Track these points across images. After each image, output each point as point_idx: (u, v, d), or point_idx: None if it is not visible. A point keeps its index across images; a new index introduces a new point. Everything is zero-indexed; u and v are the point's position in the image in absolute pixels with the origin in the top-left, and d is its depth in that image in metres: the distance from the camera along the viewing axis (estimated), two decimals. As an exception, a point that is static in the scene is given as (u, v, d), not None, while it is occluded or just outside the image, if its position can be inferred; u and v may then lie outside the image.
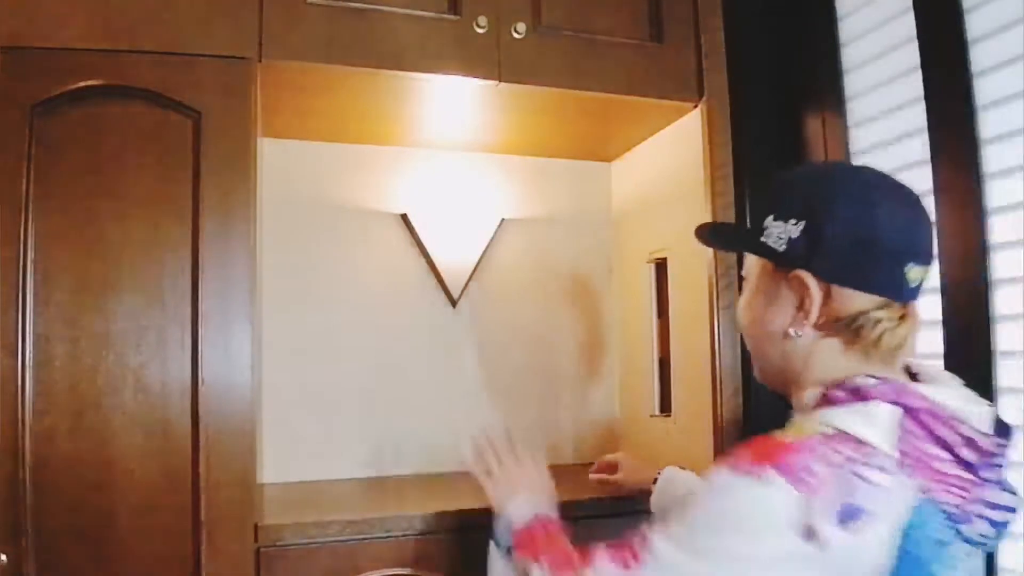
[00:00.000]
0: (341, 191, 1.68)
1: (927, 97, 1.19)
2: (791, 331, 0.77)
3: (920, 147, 1.21)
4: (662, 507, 1.18)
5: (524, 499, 1.01)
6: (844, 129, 1.37)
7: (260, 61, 1.23)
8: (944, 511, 0.65)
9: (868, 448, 0.66)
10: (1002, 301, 1.09)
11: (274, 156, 1.59)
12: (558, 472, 1.67)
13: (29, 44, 1.13)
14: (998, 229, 1.09)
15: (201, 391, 1.15)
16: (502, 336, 1.77)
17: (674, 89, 1.46)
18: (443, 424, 1.70)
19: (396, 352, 1.69)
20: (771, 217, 0.78)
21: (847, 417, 0.68)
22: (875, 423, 0.67)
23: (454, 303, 1.73)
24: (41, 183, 1.12)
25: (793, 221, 0.75)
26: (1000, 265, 1.09)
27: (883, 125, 1.30)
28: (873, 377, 0.71)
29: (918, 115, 1.21)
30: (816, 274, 0.74)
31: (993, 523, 0.68)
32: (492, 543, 1.00)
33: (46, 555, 1.09)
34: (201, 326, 1.16)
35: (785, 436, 0.69)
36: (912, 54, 1.22)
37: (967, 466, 0.67)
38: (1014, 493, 0.70)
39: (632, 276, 1.75)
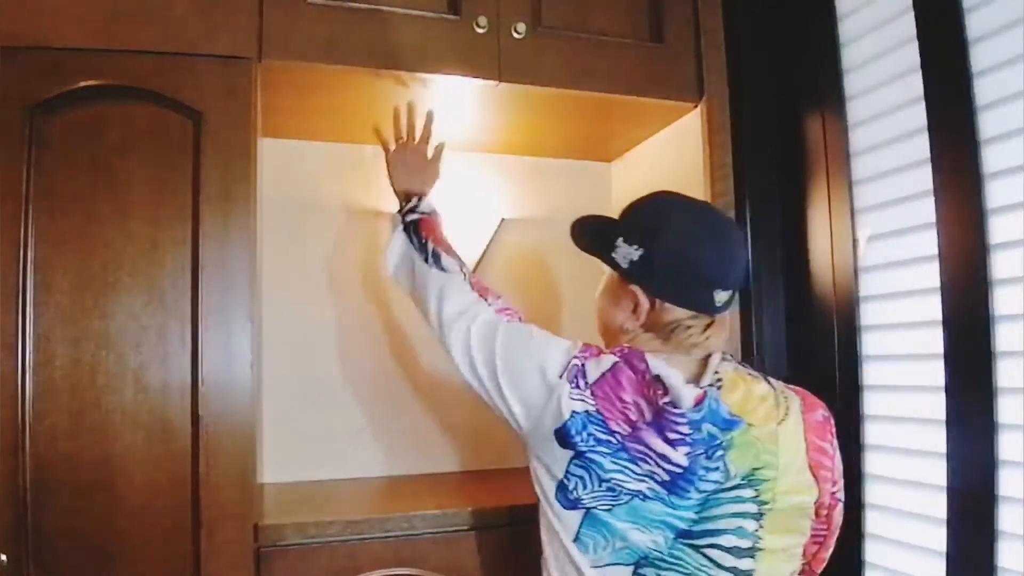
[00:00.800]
0: (341, 191, 1.68)
1: (927, 97, 1.19)
2: (625, 327, 1.03)
3: (920, 147, 1.21)
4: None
5: (430, 191, 1.32)
6: (844, 129, 1.37)
7: (260, 61, 1.23)
8: (612, 431, 0.93)
9: (583, 376, 0.97)
10: (1002, 301, 1.09)
11: (274, 156, 1.59)
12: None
13: (29, 44, 1.13)
14: (998, 229, 1.09)
15: (201, 391, 1.15)
16: (502, 336, 1.76)
17: (674, 89, 1.47)
18: (443, 424, 1.71)
19: (396, 352, 1.69)
20: (621, 239, 1.02)
21: (591, 361, 0.99)
22: (595, 365, 0.98)
23: (454, 303, 1.73)
24: (41, 183, 1.12)
25: (635, 247, 1.00)
26: (1000, 265, 1.09)
27: (883, 125, 1.30)
28: (628, 347, 0.99)
29: (918, 115, 1.21)
30: (646, 291, 1.00)
31: (666, 471, 0.92)
32: (400, 218, 1.28)
33: (46, 555, 1.09)
34: (201, 326, 1.16)
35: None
36: (912, 54, 1.22)
37: (644, 417, 0.93)
38: (686, 456, 0.91)
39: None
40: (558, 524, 0.97)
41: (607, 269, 1.07)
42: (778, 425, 0.96)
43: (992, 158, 1.10)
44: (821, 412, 1.01)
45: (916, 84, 1.21)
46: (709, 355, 1.00)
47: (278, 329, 1.59)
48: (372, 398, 1.67)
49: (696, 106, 1.49)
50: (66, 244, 1.13)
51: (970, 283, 1.12)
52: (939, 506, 1.15)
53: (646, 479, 0.92)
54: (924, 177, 1.19)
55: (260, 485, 1.31)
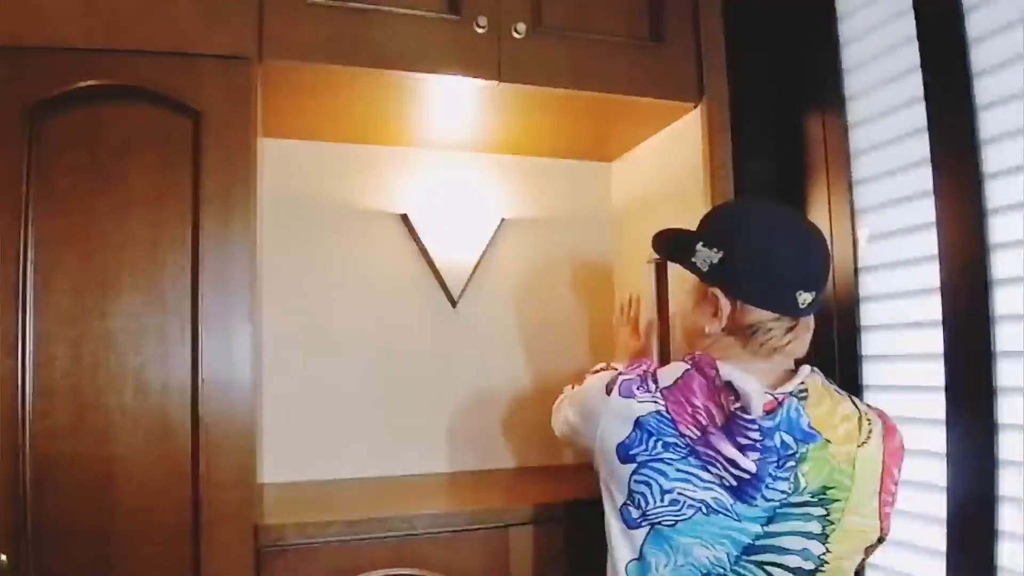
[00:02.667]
0: (341, 191, 1.68)
1: (927, 97, 1.19)
2: (707, 329, 1.02)
3: (920, 147, 1.21)
4: None
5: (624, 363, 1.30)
6: (844, 129, 1.37)
7: (260, 61, 1.23)
8: (682, 434, 0.94)
9: (655, 376, 1.00)
10: (1002, 301, 1.09)
11: (274, 156, 1.59)
12: (558, 472, 1.68)
13: (29, 44, 1.13)
14: (998, 229, 1.09)
15: (201, 391, 1.15)
16: (502, 336, 1.77)
17: (674, 89, 1.46)
18: (443, 424, 1.71)
19: (396, 352, 1.69)
20: (700, 243, 1.03)
21: (664, 368, 1.01)
22: (668, 372, 0.99)
23: (454, 303, 1.73)
24: (41, 183, 1.12)
25: (715, 250, 1.00)
26: (1000, 265, 1.09)
27: (883, 125, 1.30)
28: (700, 354, 1.00)
29: (918, 115, 1.21)
30: (727, 293, 0.99)
31: (734, 476, 0.92)
32: None
33: (46, 555, 1.09)
34: (201, 326, 1.16)
35: None
36: (912, 54, 1.22)
37: (715, 422, 0.94)
38: (754, 463, 0.92)
39: (632, 276, 1.75)
40: (615, 545, 0.99)
41: (688, 277, 1.08)
42: (858, 447, 0.95)
43: (992, 158, 1.10)
44: (899, 438, 1.00)
45: (916, 84, 1.21)
46: (797, 367, 1.01)
47: (278, 329, 1.59)
48: (372, 398, 1.67)
49: (696, 106, 1.48)
50: (66, 244, 1.13)
51: (970, 283, 1.12)
52: (939, 506, 1.15)
53: (712, 487, 0.93)
54: (924, 177, 1.19)
55: (260, 485, 1.31)
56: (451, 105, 1.48)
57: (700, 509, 0.93)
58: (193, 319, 1.16)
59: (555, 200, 1.83)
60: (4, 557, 1.06)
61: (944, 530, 1.15)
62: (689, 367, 0.99)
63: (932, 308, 1.18)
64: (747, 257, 0.98)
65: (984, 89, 1.11)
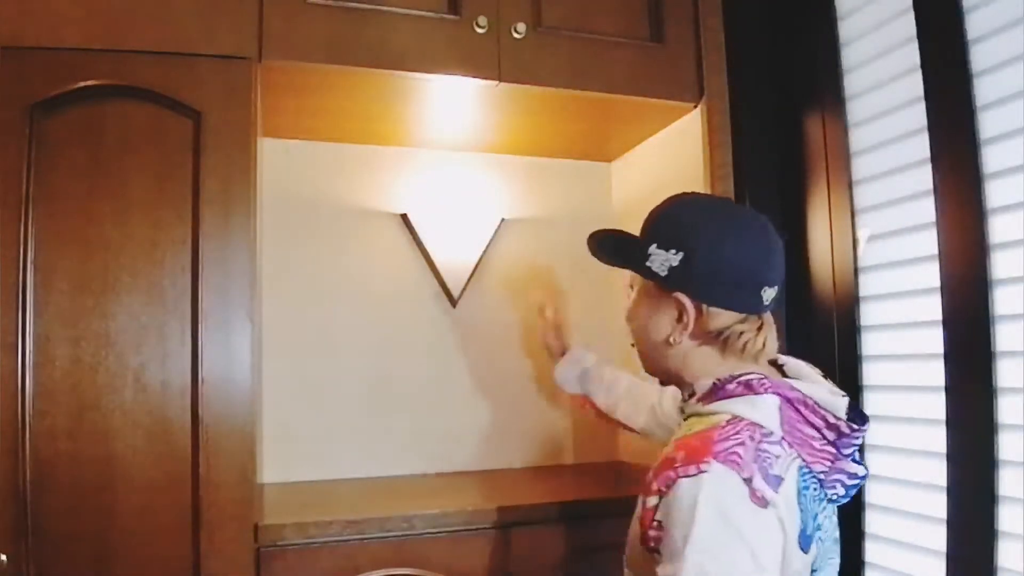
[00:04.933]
0: (341, 191, 1.68)
1: (927, 97, 1.19)
2: (671, 339, 0.94)
3: (920, 147, 1.21)
4: (563, 378, 1.45)
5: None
6: (844, 129, 1.37)
7: (260, 61, 1.23)
8: (816, 477, 0.84)
9: (763, 429, 0.84)
10: (1002, 301, 1.09)
11: (274, 156, 1.59)
12: (558, 472, 1.68)
13: (29, 44, 1.13)
14: (998, 229, 1.09)
15: (201, 391, 1.15)
16: (502, 336, 1.77)
17: (674, 89, 1.47)
18: (443, 424, 1.71)
19: (396, 352, 1.69)
20: (654, 246, 0.94)
21: (742, 406, 0.86)
22: (762, 410, 0.85)
23: (454, 303, 1.73)
24: (41, 183, 1.12)
25: (673, 251, 0.92)
26: (1000, 265, 1.09)
27: (883, 125, 1.30)
28: (757, 374, 0.88)
29: (918, 115, 1.21)
30: (691, 296, 0.92)
31: (845, 487, 0.87)
32: None
33: (46, 555, 1.09)
34: (201, 326, 1.16)
35: (697, 430, 0.87)
36: (912, 54, 1.22)
37: (830, 443, 0.86)
38: (862, 465, 0.89)
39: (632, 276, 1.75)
40: None
41: (637, 284, 1.01)
42: None
43: (992, 158, 1.10)
44: None
45: (916, 84, 1.21)
46: (780, 362, 0.96)
47: (278, 329, 1.59)
48: (372, 398, 1.67)
49: (696, 106, 1.49)
50: (66, 244, 1.13)
51: (970, 283, 1.12)
52: (939, 506, 1.15)
53: (829, 516, 0.87)
54: (924, 177, 1.19)
55: (260, 485, 1.31)
56: (451, 105, 1.48)
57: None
58: (193, 319, 1.16)
59: (555, 200, 1.83)
60: (4, 557, 1.06)
61: (944, 530, 1.15)
62: (776, 397, 0.86)
63: (932, 308, 1.18)
64: (709, 256, 0.90)
65: (984, 89, 1.11)
